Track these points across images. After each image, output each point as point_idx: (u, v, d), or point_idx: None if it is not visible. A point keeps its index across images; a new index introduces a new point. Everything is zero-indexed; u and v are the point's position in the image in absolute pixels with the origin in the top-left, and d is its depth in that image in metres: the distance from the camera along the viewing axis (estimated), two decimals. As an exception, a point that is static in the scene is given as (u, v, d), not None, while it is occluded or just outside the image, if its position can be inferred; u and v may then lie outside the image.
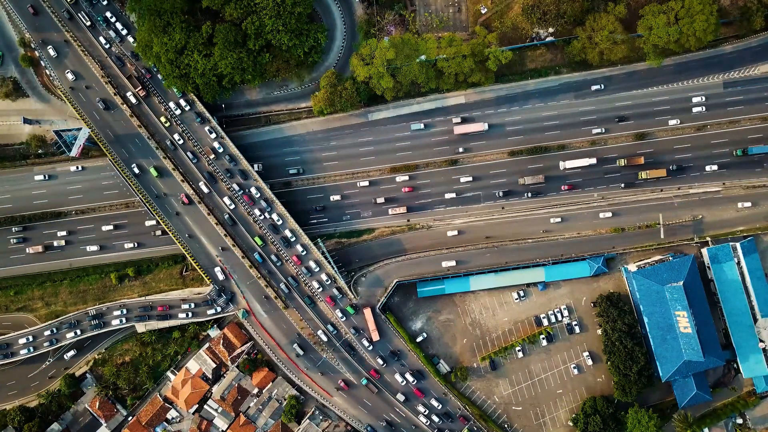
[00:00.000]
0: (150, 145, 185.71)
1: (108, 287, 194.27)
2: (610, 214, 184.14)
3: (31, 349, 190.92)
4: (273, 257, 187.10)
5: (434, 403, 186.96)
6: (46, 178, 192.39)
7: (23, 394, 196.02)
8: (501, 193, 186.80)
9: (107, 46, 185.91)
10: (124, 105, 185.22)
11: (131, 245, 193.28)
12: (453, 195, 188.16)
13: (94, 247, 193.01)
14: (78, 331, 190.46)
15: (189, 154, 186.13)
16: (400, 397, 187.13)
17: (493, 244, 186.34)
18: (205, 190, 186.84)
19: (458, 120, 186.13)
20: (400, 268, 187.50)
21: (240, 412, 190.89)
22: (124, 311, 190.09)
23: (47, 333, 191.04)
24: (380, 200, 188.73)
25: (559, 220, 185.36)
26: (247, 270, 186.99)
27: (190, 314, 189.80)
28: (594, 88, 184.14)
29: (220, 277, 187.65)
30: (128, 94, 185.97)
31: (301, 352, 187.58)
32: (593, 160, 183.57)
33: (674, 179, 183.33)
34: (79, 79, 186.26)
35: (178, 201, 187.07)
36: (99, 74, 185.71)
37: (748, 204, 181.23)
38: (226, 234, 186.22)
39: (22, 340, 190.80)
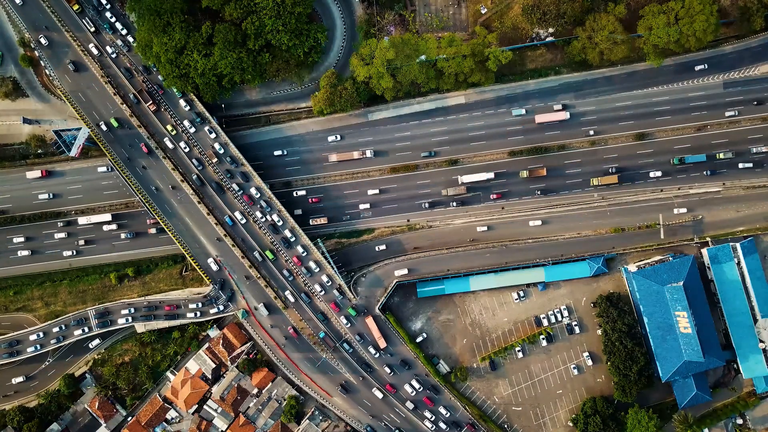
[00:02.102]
0: (150, 144, 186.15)
1: (108, 287, 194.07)
2: (540, 222, 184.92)
3: (38, 347, 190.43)
4: (285, 272, 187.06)
5: (442, 410, 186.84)
6: (109, 170, 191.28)
7: (23, 394, 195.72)
8: (427, 204, 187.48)
9: (114, 56, 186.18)
10: (124, 105, 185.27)
11: (69, 253, 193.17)
12: (367, 206, 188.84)
13: (26, 252, 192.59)
14: (86, 329, 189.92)
15: (194, 161, 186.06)
16: (409, 404, 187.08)
17: (493, 244, 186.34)
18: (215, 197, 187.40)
19: (559, 107, 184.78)
20: (401, 267, 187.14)
21: (239, 412, 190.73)
22: (131, 310, 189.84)
23: (56, 330, 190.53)
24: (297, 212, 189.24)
25: (485, 228, 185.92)
26: (247, 270, 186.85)
27: (198, 313, 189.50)
28: (698, 68, 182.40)
29: (214, 268, 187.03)
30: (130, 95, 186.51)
31: (265, 312, 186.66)
32: (491, 174, 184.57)
33: (627, 185, 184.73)
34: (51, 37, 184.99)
35: (176, 197, 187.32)
36: (99, 75, 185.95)
37: (684, 210, 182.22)
38: (225, 234, 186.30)
39: (33, 337, 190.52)
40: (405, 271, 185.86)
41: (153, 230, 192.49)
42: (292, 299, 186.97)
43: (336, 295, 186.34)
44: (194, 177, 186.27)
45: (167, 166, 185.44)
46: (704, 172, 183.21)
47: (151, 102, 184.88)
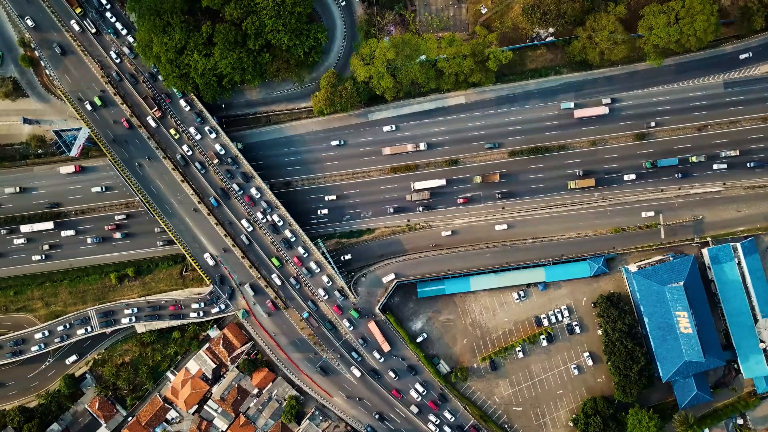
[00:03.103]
0: (150, 144, 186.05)
1: (108, 287, 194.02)
2: (505, 226, 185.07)
3: (42, 345, 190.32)
4: (292, 280, 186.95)
5: (447, 415, 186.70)
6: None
7: (23, 394, 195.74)
8: (392, 210, 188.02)
9: (118, 61, 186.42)
10: (124, 105, 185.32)
11: (38, 257, 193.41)
12: (326, 211, 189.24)
13: None
14: (89, 328, 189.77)
15: (197, 164, 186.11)
16: (414, 408, 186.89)
17: (494, 244, 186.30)
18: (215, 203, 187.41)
19: (608, 101, 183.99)
20: (401, 268, 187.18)
21: (240, 412, 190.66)
22: (135, 310, 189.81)
23: (60, 329, 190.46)
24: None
25: (448, 233, 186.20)
26: (247, 270, 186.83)
27: (201, 313, 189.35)
28: (743, 57, 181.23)
29: (210, 262, 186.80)
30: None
31: (251, 293, 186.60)
32: (443, 182, 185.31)
33: (601, 188, 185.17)
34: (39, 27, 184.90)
35: (181, 202, 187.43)
36: (100, 75, 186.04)
37: (651, 213, 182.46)
38: (230, 242, 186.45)
39: (38, 336, 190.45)
40: (392, 276, 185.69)
41: (118, 235, 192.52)
42: (278, 282, 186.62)
43: (337, 296, 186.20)
44: (179, 157, 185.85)
45: (167, 166, 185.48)
46: (676, 175, 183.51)
47: (156, 108, 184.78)
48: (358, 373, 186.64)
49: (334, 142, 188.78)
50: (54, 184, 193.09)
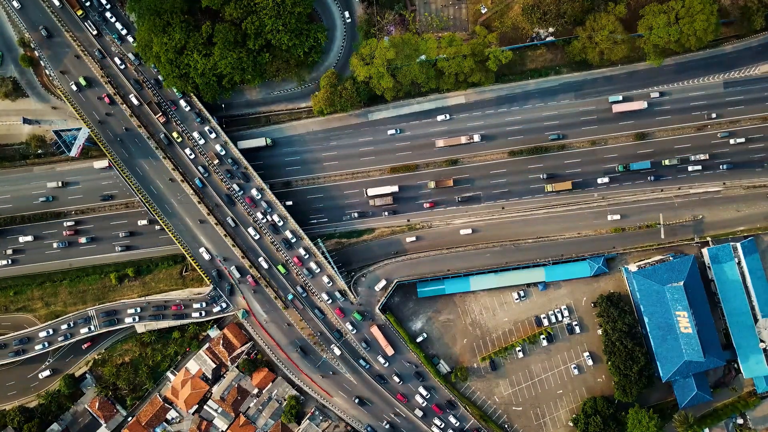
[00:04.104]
0: (149, 144, 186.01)
1: (108, 287, 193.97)
2: (470, 231, 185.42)
3: (46, 344, 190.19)
4: (298, 288, 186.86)
5: (452, 419, 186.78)
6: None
7: (23, 394, 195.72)
8: (356, 214, 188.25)
9: (122, 67, 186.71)
10: (124, 105, 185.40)
11: (5, 263, 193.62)
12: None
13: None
14: (91, 327, 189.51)
15: (200, 168, 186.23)
16: (418, 412, 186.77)
17: (494, 244, 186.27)
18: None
19: (656, 93, 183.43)
20: (400, 268, 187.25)
21: (240, 412, 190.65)
22: (138, 309, 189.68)
23: (63, 327, 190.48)
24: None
25: (413, 238, 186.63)
26: (247, 269, 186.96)
27: (203, 313, 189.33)
28: None
29: (206, 257, 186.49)
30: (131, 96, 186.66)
31: (239, 275, 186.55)
32: (395, 188, 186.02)
33: (580, 191, 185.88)
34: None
35: (177, 200, 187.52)
36: (99, 75, 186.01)
37: (617, 217, 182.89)
38: (231, 240, 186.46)
39: (42, 334, 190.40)
40: (384, 282, 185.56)
41: (83, 239, 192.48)
42: (265, 266, 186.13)
43: (338, 297, 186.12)
44: (161, 136, 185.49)
45: (167, 166, 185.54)
46: (648, 178, 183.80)
47: (160, 114, 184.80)
48: (338, 352, 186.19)
49: (391, 132, 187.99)
50: (93, 178, 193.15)
